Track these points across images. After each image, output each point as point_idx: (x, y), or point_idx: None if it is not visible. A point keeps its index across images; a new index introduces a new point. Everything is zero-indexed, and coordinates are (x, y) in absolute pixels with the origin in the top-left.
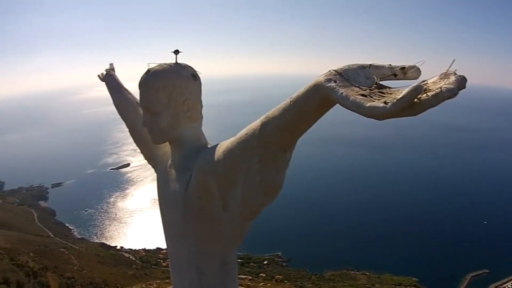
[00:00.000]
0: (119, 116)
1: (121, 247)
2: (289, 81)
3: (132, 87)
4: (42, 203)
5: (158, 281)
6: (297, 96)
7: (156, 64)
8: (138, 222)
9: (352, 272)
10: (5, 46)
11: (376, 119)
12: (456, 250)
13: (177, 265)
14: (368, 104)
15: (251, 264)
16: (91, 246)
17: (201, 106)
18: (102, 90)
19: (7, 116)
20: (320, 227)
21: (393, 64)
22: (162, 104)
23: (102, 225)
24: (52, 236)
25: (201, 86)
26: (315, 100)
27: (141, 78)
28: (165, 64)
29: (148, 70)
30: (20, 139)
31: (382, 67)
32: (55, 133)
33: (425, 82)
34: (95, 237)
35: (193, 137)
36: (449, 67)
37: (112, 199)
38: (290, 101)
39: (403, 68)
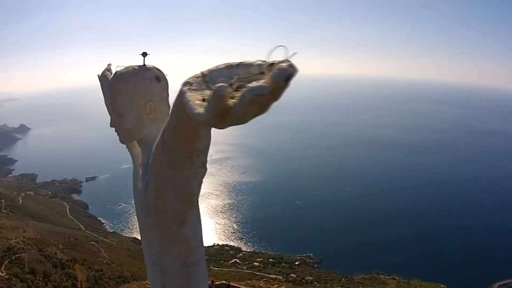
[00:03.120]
0: None
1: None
2: (325, 82)
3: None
4: (75, 196)
5: None
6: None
7: (123, 67)
8: None
9: (382, 276)
10: (41, 41)
11: (206, 127)
12: (485, 258)
13: (146, 263)
14: (195, 111)
15: (282, 264)
16: (122, 240)
17: (168, 108)
18: None
19: (41, 110)
20: (353, 229)
21: (268, 60)
22: (125, 106)
23: (135, 220)
24: (83, 229)
25: (167, 88)
26: (180, 105)
27: (107, 81)
28: (131, 66)
29: (115, 73)
30: (54, 133)
31: (251, 65)
32: (90, 128)
33: (235, 79)
34: (127, 232)
35: (157, 137)
36: (270, 55)
37: None
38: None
39: (271, 64)
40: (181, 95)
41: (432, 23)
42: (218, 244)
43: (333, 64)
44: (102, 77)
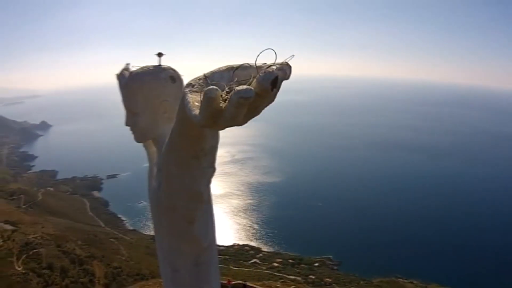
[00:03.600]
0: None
1: None
2: (347, 83)
3: None
4: (96, 193)
5: None
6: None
7: (139, 67)
8: None
9: (401, 280)
10: (64, 40)
11: (202, 127)
12: (507, 269)
13: (159, 260)
14: (192, 112)
15: (302, 265)
16: (141, 238)
17: None
18: None
19: (63, 108)
20: (373, 232)
21: (268, 63)
22: (140, 105)
23: None
24: (103, 226)
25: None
26: (182, 106)
27: (124, 80)
28: (146, 67)
29: (131, 73)
30: (75, 131)
31: (251, 67)
32: (112, 126)
33: (235, 81)
34: (146, 229)
35: None
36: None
37: None
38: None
39: (269, 66)
40: (182, 96)
41: (453, 26)
42: (238, 244)
43: (356, 65)
44: (120, 76)
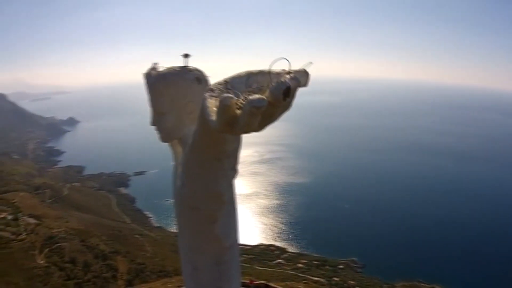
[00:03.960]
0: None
1: None
2: (376, 85)
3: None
4: (122, 190)
5: None
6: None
7: (165, 68)
8: None
9: (423, 284)
10: (93, 37)
11: (219, 133)
12: None
13: (181, 257)
14: (210, 118)
15: (326, 267)
16: (167, 235)
17: None
18: None
19: (91, 104)
20: (399, 236)
21: (287, 69)
22: (166, 106)
23: None
24: (129, 222)
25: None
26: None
27: (150, 80)
28: (173, 68)
29: (157, 73)
30: (103, 127)
31: (269, 73)
32: (140, 123)
33: (250, 90)
34: (172, 227)
35: None
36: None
37: None
38: None
39: (288, 73)
40: (202, 100)
41: (483, 29)
42: (263, 244)
43: (386, 68)
44: (147, 76)
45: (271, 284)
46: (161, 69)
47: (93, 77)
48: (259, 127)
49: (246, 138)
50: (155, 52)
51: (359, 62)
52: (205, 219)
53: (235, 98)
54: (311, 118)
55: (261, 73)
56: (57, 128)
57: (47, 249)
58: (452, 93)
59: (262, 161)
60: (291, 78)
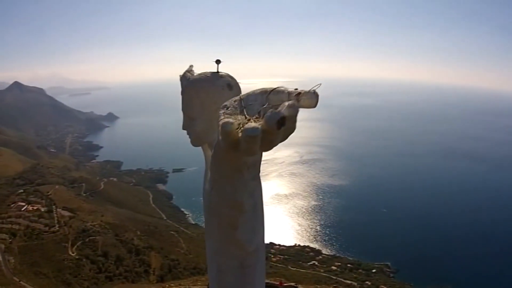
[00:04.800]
0: None
1: None
2: (414, 89)
3: (263, 83)
4: (160, 186)
5: None
6: None
7: (197, 74)
8: None
9: None
10: (134, 34)
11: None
12: None
13: (207, 258)
14: (220, 137)
15: (360, 270)
16: (203, 233)
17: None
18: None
19: (130, 101)
20: (434, 242)
21: (299, 89)
22: (196, 110)
23: None
24: (165, 218)
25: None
26: None
27: (183, 84)
28: (204, 73)
29: (189, 78)
30: (142, 124)
31: (282, 92)
32: (180, 121)
33: (266, 106)
34: None
35: None
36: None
37: None
38: None
39: (298, 94)
40: (218, 117)
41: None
42: (299, 245)
43: (425, 71)
44: (183, 78)
45: (300, 286)
46: (195, 72)
47: (133, 73)
48: (264, 150)
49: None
50: (195, 51)
51: (398, 65)
52: (226, 225)
53: (237, 121)
54: (350, 120)
55: (274, 91)
56: (96, 123)
57: (80, 242)
58: (487, 98)
59: (301, 162)
60: (289, 106)
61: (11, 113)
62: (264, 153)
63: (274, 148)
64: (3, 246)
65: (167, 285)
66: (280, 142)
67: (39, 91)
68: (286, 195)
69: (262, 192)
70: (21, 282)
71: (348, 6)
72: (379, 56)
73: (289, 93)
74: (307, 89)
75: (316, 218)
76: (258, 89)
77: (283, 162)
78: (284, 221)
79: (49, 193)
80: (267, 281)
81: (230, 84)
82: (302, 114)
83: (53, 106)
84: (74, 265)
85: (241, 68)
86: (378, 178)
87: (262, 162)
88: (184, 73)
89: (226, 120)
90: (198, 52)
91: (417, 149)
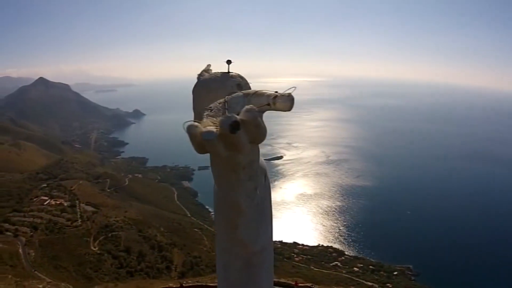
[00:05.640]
0: None
1: None
2: (447, 91)
3: (291, 82)
4: (185, 183)
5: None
6: None
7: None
8: (281, 215)
9: None
10: (160, 32)
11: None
12: None
13: (216, 256)
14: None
15: (381, 272)
16: None
17: None
18: (261, 82)
19: (156, 98)
20: (458, 247)
21: (280, 92)
22: None
23: None
24: (189, 215)
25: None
26: None
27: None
28: (215, 73)
29: (199, 78)
30: (168, 121)
31: (262, 95)
32: None
33: (207, 113)
34: None
35: None
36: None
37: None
38: None
39: (275, 97)
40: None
41: None
42: (322, 245)
43: (454, 73)
44: (200, 77)
45: (316, 286)
46: (213, 71)
47: (160, 71)
48: (233, 151)
49: (313, 138)
50: (221, 49)
51: (428, 67)
52: (227, 224)
53: (199, 127)
54: (377, 121)
55: (256, 94)
56: (122, 119)
57: (102, 237)
58: None
59: (327, 162)
60: (246, 111)
61: (36, 109)
62: (290, 153)
63: (301, 147)
64: (24, 239)
65: (184, 282)
66: (256, 143)
67: (65, 87)
68: (311, 195)
69: (270, 193)
70: (40, 275)
71: (379, 7)
72: (409, 58)
73: (268, 96)
74: (287, 92)
75: (340, 218)
76: (241, 92)
77: (309, 162)
78: (308, 221)
79: (72, 188)
80: (283, 280)
81: (240, 84)
82: (329, 114)
83: (78, 102)
84: (95, 260)
85: (268, 67)
86: (403, 180)
87: (288, 161)
88: (201, 72)
89: (191, 123)
90: (224, 50)
91: (443, 151)
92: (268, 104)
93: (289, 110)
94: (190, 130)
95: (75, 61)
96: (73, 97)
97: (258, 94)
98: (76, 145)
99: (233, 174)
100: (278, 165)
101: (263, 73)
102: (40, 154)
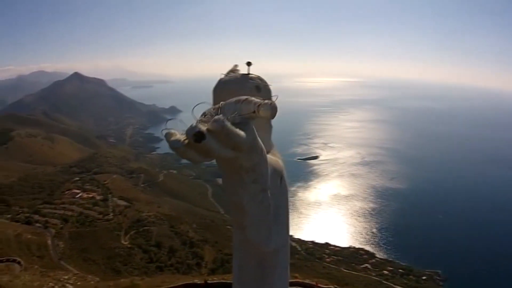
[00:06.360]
0: (313, 108)
1: (290, 235)
2: (489, 95)
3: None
4: (220, 180)
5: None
6: None
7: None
8: (314, 215)
9: None
10: (198, 30)
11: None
12: None
13: (233, 255)
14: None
15: (410, 276)
16: None
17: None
18: (300, 81)
19: (192, 95)
20: (488, 254)
21: (265, 101)
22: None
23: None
24: (222, 212)
25: (269, 97)
26: None
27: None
28: (234, 75)
29: (220, 79)
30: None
31: (250, 102)
32: None
33: (232, 116)
34: None
35: None
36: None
37: (293, 188)
38: None
39: (259, 105)
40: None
41: None
42: (354, 247)
43: (497, 77)
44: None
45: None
46: (239, 72)
47: (196, 68)
48: (207, 158)
49: (349, 139)
50: (259, 47)
51: (467, 70)
52: (236, 224)
53: (174, 132)
54: (414, 123)
55: (246, 101)
56: (158, 116)
57: (134, 231)
58: None
59: (362, 163)
60: (213, 121)
61: (70, 103)
62: (326, 153)
63: (337, 148)
64: (53, 231)
65: (209, 279)
66: (240, 150)
67: (100, 83)
68: (345, 196)
69: (286, 195)
70: (68, 266)
71: (420, 9)
72: (447, 60)
73: (254, 103)
74: (269, 101)
75: (372, 220)
76: (234, 98)
77: (344, 162)
78: (341, 222)
79: (106, 182)
80: (306, 281)
81: (259, 87)
82: (365, 114)
83: (114, 97)
84: (125, 254)
85: (303, 67)
86: (437, 183)
87: (324, 162)
88: (227, 72)
89: (167, 131)
90: (261, 49)
91: (480, 156)
92: (254, 112)
93: (272, 118)
94: (165, 136)
95: (112, 57)
96: (108, 92)
97: (247, 102)
98: (110, 140)
99: (236, 176)
100: (313, 165)
101: (299, 73)
102: (73, 148)
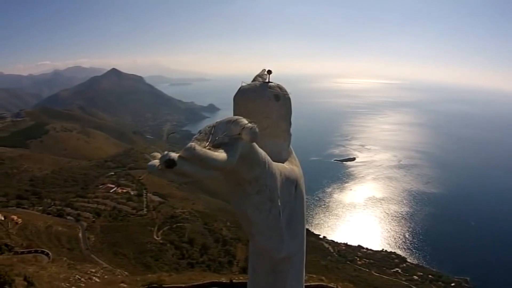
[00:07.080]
0: (351, 110)
1: (324, 237)
2: None
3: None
4: None
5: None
6: None
7: (247, 83)
8: (348, 217)
9: None
10: (237, 28)
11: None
12: None
13: (249, 259)
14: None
15: (439, 283)
16: None
17: (287, 124)
18: (338, 82)
19: (230, 93)
20: None
21: (251, 124)
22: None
23: (313, 211)
24: None
25: (289, 106)
26: None
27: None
28: (254, 83)
29: (240, 88)
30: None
31: (238, 123)
32: None
33: (220, 137)
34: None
35: (272, 151)
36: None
37: (329, 189)
38: None
39: (243, 128)
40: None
41: None
42: (386, 250)
43: None
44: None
45: None
46: (267, 77)
47: (235, 67)
48: (186, 179)
49: (385, 141)
50: (296, 47)
51: (505, 74)
52: (245, 232)
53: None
54: (451, 127)
55: (236, 121)
56: (196, 113)
57: (167, 227)
58: None
59: (398, 166)
60: (184, 149)
61: (108, 99)
62: (362, 155)
63: (373, 150)
64: (85, 224)
65: (235, 278)
66: (221, 170)
67: (138, 79)
68: (379, 199)
69: (302, 202)
70: (98, 259)
71: (457, 12)
72: (486, 65)
73: (240, 125)
74: (250, 125)
75: (405, 224)
76: (226, 118)
77: (381, 165)
78: (375, 225)
79: (141, 178)
80: (331, 284)
81: (278, 95)
82: (403, 117)
83: (152, 94)
84: (157, 249)
85: (343, 67)
86: (472, 189)
87: (361, 163)
88: (255, 77)
89: (153, 153)
90: (299, 49)
91: None
92: (239, 134)
93: (252, 142)
94: (150, 157)
95: (150, 54)
96: (146, 89)
97: (236, 123)
98: (147, 136)
99: (239, 187)
100: (350, 166)
101: (338, 73)
102: (109, 143)
